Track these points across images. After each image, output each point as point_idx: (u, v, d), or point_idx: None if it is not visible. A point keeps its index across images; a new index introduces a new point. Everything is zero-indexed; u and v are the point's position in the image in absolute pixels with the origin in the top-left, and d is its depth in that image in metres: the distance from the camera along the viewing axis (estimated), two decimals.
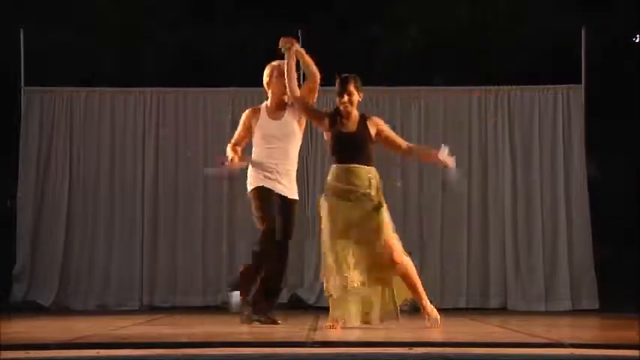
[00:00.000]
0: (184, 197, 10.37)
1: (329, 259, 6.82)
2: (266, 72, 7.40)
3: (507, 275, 10.22)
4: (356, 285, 6.76)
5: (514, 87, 10.49)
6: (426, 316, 6.87)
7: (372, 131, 6.97)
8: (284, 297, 10.26)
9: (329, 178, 6.97)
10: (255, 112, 7.43)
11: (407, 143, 7.16)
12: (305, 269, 10.33)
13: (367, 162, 6.91)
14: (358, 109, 7.03)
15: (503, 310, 10.02)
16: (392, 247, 6.82)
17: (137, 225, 10.31)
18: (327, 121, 7.01)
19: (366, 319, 6.87)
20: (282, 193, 7.30)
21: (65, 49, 11.31)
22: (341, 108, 6.96)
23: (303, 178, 10.23)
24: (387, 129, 7.06)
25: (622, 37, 12.26)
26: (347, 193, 6.86)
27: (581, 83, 10.28)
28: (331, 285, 6.81)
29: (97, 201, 10.35)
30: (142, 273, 10.27)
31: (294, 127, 7.35)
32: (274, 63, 7.33)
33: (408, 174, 10.33)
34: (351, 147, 6.91)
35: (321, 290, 10.19)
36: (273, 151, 7.31)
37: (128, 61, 11.91)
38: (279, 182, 7.29)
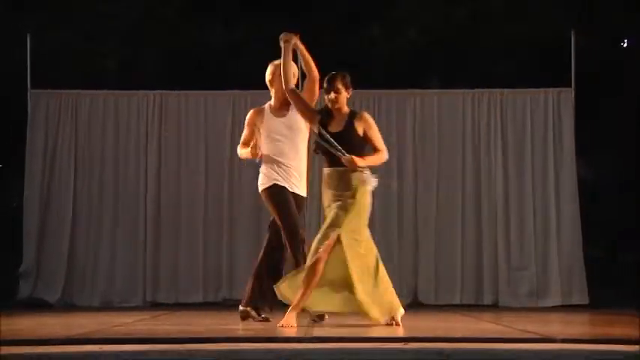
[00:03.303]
0: (186, 197, 10.43)
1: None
2: (268, 70, 7.40)
3: (499, 273, 10.30)
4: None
5: (506, 89, 10.59)
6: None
7: (360, 130, 6.85)
8: None
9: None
10: (259, 112, 7.41)
11: (377, 152, 6.93)
12: None
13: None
14: (348, 106, 6.98)
15: (495, 307, 10.11)
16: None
17: (140, 224, 10.38)
18: (317, 118, 6.92)
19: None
20: (294, 191, 7.29)
21: (70, 52, 11.37)
22: (329, 105, 6.88)
23: None
24: (371, 131, 6.88)
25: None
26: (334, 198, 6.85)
27: (571, 86, 10.37)
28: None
29: (102, 201, 10.42)
30: (145, 271, 10.33)
31: (300, 123, 7.29)
32: (277, 62, 7.25)
33: (404, 175, 10.44)
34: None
35: None
36: (282, 148, 7.27)
37: (131, 64, 11.95)
38: (291, 180, 7.27)
